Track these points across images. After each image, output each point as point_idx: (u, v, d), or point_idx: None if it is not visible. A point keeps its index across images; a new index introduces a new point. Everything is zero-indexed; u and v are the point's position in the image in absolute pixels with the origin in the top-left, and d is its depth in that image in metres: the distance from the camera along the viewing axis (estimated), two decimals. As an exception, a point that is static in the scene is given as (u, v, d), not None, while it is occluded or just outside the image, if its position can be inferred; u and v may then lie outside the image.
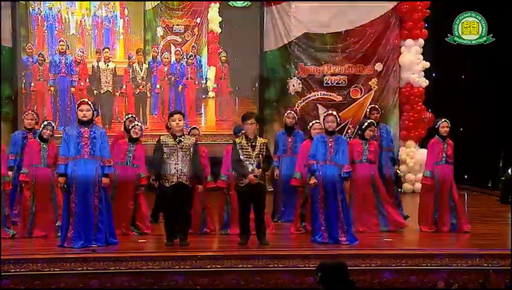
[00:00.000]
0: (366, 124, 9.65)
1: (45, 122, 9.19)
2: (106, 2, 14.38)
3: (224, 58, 14.43)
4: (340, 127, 8.96)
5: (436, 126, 9.65)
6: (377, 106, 10.80)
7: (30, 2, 14.11)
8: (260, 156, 8.32)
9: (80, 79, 14.10)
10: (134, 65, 14.28)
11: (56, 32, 14.18)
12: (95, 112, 8.37)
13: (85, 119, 8.23)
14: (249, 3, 14.51)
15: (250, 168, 8.26)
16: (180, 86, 14.32)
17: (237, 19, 14.47)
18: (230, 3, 14.51)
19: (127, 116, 10.01)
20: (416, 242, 9.08)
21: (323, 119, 8.85)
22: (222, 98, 14.63)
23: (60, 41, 14.03)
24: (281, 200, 10.28)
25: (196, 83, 14.52)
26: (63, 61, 14.03)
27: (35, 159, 8.99)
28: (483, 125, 14.82)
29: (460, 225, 9.37)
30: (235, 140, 8.52)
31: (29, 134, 10.01)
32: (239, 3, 14.52)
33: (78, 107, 8.33)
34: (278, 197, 10.34)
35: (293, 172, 9.42)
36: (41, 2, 14.16)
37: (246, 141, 8.37)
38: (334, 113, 8.80)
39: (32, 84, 14.04)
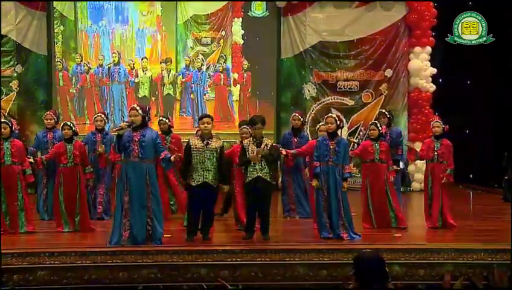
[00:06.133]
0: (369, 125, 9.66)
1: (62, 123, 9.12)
2: (145, 19, 14.80)
3: (246, 66, 14.70)
4: (340, 128, 8.70)
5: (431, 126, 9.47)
6: (384, 111, 10.54)
7: (82, 19, 14.54)
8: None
9: (130, 86, 14.63)
10: (163, 72, 14.73)
11: (106, 44, 14.69)
12: (146, 117, 8.08)
13: (134, 124, 8.05)
14: (267, 13, 14.61)
15: (255, 166, 8.30)
16: (208, 91, 14.76)
17: (257, 29, 14.66)
18: (249, 13, 14.65)
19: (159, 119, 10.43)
20: (424, 237, 9.01)
21: (324, 121, 8.75)
22: (244, 101, 14.82)
23: (113, 53, 14.60)
24: (292, 197, 10.31)
25: (228, 89, 14.83)
26: (116, 71, 14.53)
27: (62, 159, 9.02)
28: (488, 128, 14.71)
29: (446, 220, 9.23)
30: (242, 141, 8.60)
31: (49, 133, 10.00)
32: (258, 13, 14.65)
33: (128, 113, 8.28)
34: (289, 194, 10.37)
35: (299, 172, 9.98)
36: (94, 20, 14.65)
37: (253, 141, 8.41)
38: (334, 115, 8.66)
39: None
